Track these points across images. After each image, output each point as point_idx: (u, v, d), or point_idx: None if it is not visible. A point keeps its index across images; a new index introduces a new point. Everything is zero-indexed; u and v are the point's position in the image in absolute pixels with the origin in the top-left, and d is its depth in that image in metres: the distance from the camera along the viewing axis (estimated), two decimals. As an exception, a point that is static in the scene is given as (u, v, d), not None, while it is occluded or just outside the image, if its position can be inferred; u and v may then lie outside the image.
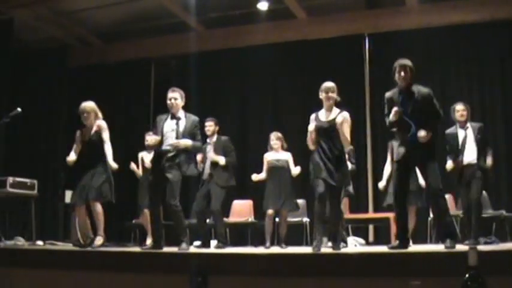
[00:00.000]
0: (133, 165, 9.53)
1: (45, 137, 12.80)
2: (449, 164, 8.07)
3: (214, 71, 12.21)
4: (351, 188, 8.49)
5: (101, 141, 7.61)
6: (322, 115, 6.79)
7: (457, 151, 8.00)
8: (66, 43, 13.29)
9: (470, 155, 7.92)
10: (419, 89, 6.32)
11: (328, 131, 6.66)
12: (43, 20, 12.07)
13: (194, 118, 7.26)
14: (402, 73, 6.28)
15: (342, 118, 6.65)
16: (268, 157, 8.93)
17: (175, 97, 7.18)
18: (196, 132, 7.22)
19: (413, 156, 6.21)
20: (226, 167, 8.69)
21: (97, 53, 13.29)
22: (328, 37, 11.48)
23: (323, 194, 6.62)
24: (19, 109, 8.45)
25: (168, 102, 7.19)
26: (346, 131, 6.65)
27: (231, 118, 11.62)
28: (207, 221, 8.93)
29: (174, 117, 7.16)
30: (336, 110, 6.75)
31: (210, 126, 8.86)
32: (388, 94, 6.50)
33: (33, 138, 12.65)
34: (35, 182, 9.81)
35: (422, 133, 6.13)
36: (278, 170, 8.79)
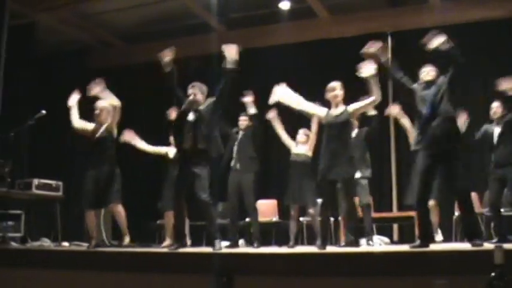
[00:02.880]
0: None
1: (70, 138, 12.88)
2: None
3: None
4: (369, 197, 8.50)
5: (109, 140, 7.66)
6: (331, 110, 7.06)
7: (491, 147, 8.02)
8: (88, 45, 13.39)
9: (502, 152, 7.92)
10: None
11: (335, 127, 6.83)
12: (66, 23, 12.18)
13: (210, 101, 7.25)
14: None
15: (351, 108, 6.98)
16: (292, 149, 8.98)
17: (195, 93, 7.19)
18: (216, 114, 7.23)
19: (436, 156, 6.16)
20: (254, 156, 8.78)
21: (119, 54, 13.37)
22: (351, 36, 11.44)
23: (329, 199, 6.78)
24: (43, 111, 8.55)
25: (189, 97, 7.20)
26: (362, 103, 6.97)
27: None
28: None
29: (194, 110, 7.15)
30: (342, 107, 7.01)
31: (244, 120, 8.94)
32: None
33: (57, 140, 12.74)
34: (60, 183, 9.90)
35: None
36: (298, 165, 8.79)
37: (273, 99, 7.40)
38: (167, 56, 7.23)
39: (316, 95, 7.68)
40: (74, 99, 7.98)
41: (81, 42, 13.17)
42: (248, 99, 8.73)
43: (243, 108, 8.96)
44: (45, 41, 12.46)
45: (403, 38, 11.26)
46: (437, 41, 6.26)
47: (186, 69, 12.53)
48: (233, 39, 12.23)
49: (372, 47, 6.65)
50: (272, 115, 8.90)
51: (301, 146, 8.89)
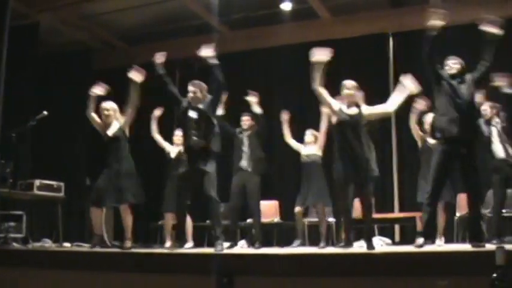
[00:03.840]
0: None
1: (71, 139, 12.89)
2: None
3: (239, 72, 12.18)
4: None
5: (123, 138, 7.60)
6: (345, 108, 6.85)
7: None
8: (91, 46, 13.40)
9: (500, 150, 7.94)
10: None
11: (351, 126, 6.72)
12: (68, 24, 12.19)
13: (208, 98, 7.26)
14: None
15: (367, 111, 6.85)
16: (302, 151, 8.99)
17: (195, 91, 7.20)
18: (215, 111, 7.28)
19: (453, 153, 6.16)
20: (263, 157, 8.80)
21: (121, 55, 13.36)
22: (352, 37, 11.43)
23: (346, 195, 6.74)
24: (45, 112, 8.55)
25: (188, 95, 7.24)
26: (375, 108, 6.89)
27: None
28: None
29: (193, 108, 7.16)
30: (356, 107, 6.85)
31: (246, 120, 8.90)
32: None
33: (60, 141, 12.74)
34: (62, 184, 9.90)
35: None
36: (309, 166, 8.78)
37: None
38: (159, 59, 7.46)
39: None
40: (97, 91, 7.87)
41: (84, 43, 13.18)
42: (253, 98, 8.69)
43: (244, 108, 8.95)
44: (48, 41, 12.48)
45: (404, 38, 11.26)
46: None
47: (189, 69, 12.63)
48: (235, 39, 12.31)
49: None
50: (285, 117, 8.93)
51: (309, 146, 8.87)
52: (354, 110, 6.81)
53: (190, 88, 7.24)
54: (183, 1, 11.31)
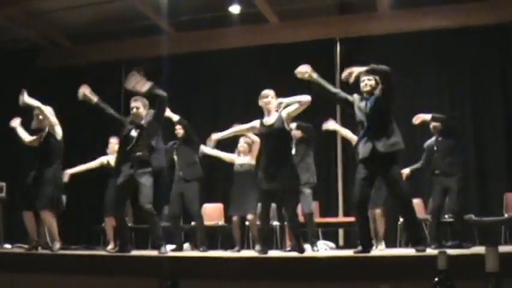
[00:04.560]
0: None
1: (14, 138, 12.64)
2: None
3: (186, 74, 12.15)
4: (311, 206, 8.51)
5: (53, 142, 7.58)
6: (264, 120, 6.89)
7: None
8: (37, 44, 13.17)
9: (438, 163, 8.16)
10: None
11: (271, 135, 6.75)
12: (13, 21, 11.94)
13: (150, 113, 7.21)
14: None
15: (285, 113, 6.79)
16: (235, 161, 8.88)
17: (138, 106, 7.14)
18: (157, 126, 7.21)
19: (376, 161, 6.18)
20: (195, 161, 8.73)
21: (68, 54, 13.18)
22: (300, 41, 11.49)
23: (267, 208, 6.79)
24: (-14, 110, 8.40)
25: (132, 111, 7.17)
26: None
27: (202, 122, 11.56)
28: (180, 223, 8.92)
29: (135, 125, 7.12)
30: (275, 114, 6.82)
31: (179, 129, 8.79)
32: None
33: (2, 140, 12.50)
34: (3, 184, 9.72)
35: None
36: (242, 175, 8.69)
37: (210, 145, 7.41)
38: (84, 90, 7.33)
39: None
40: (16, 122, 7.90)
41: (29, 40, 12.95)
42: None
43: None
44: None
45: (351, 44, 11.37)
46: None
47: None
48: (183, 41, 12.26)
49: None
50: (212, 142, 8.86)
51: (243, 155, 8.78)
52: (272, 118, 6.81)
53: (132, 104, 7.19)
54: (132, 1, 11.22)
